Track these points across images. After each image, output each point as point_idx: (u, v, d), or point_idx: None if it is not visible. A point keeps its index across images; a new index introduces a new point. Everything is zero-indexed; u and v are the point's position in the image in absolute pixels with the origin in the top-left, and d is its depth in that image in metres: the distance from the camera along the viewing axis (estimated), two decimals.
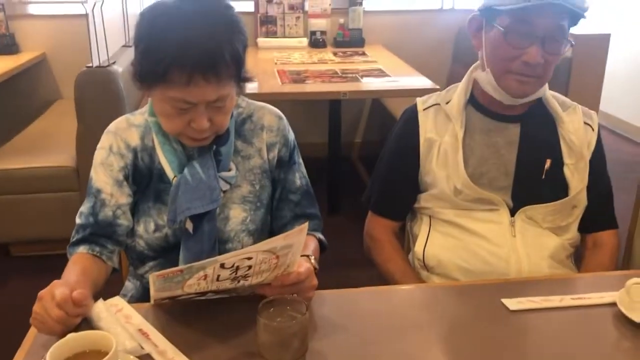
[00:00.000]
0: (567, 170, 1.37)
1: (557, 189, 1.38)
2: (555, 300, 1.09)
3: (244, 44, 1.15)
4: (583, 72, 2.95)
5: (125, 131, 1.25)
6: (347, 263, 2.69)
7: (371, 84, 2.87)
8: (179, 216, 1.18)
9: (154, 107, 1.17)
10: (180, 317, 1.06)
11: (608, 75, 3.07)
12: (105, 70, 2.52)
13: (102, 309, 1.04)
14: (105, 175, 1.22)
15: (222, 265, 0.89)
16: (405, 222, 1.54)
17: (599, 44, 2.96)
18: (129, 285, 1.37)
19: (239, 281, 0.96)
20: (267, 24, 3.78)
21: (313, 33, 3.78)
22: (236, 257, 0.89)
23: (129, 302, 1.10)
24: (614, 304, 1.06)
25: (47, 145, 2.91)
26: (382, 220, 1.51)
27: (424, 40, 3.93)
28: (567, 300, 1.10)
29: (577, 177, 1.37)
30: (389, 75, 3.01)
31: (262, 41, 3.74)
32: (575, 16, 1.28)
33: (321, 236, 1.35)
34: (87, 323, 1.01)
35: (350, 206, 3.25)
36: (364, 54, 3.60)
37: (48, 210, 2.69)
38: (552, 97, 1.42)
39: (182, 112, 1.11)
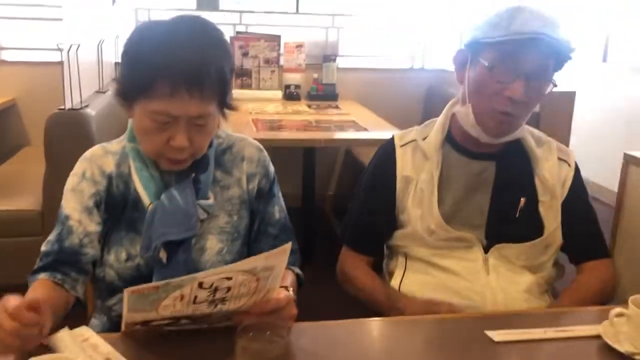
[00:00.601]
0: (541, 208, 1.36)
1: (531, 228, 1.36)
2: (539, 333, 1.07)
3: (231, 68, 1.15)
4: (550, 128, 3.04)
5: (100, 158, 1.23)
6: (320, 313, 2.63)
7: (345, 134, 2.89)
8: (154, 242, 1.14)
9: (135, 125, 1.15)
10: (151, 347, 1.00)
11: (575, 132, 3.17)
12: (77, 113, 2.49)
13: (66, 338, 0.98)
14: (75, 201, 1.19)
15: (200, 285, 0.85)
16: (377, 258, 1.51)
17: (566, 101, 3.06)
18: (95, 321, 1.30)
19: (216, 305, 0.91)
20: (242, 76, 3.83)
21: (287, 86, 3.83)
22: (215, 276, 0.85)
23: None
24: (598, 337, 1.05)
25: (11, 189, 2.82)
26: (356, 255, 1.48)
27: (395, 97, 4.02)
28: (550, 332, 1.08)
29: (551, 215, 1.36)
30: (363, 127, 3.05)
31: (237, 93, 3.74)
32: (561, 57, 1.27)
33: (299, 271, 1.32)
34: (49, 352, 0.94)
35: (323, 257, 3.20)
36: (337, 107, 3.66)
37: (8, 256, 2.58)
38: (528, 133, 1.41)
39: (162, 127, 1.09)
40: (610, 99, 4.45)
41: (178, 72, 1.05)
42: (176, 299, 0.86)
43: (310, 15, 4.00)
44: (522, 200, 1.36)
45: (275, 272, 0.92)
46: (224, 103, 1.16)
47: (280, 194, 1.36)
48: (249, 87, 3.84)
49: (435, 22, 4.15)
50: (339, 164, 4.14)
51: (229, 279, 0.86)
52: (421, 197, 1.37)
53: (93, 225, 1.18)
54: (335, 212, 4.06)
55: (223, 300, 0.91)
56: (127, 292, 0.83)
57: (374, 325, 1.14)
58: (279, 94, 3.82)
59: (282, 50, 3.84)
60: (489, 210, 1.37)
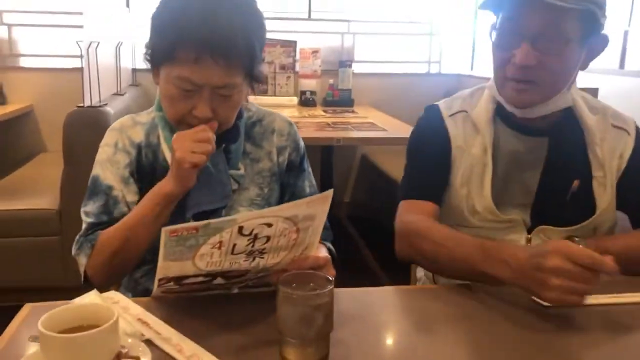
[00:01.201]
0: (594, 185, 1.26)
1: (581, 209, 1.25)
2: (589, 298, 1.01)
3: (261, 39, 1.12)
4: None
5: (130, 128, 1.20)
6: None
7: (364, 133, 2.86)
8: (188, 212, 1.12)
9: (160, 91, 1.13)
10: (182, 309, 0.96)
11: None
12: (96, 110, 2.47)
13: (95, 299, 0.94)
14: (113, 172, 1.16)
15: (240, 231, 0.81)
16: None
17: None
18: None
19: (254, 258, 0.87)
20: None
21: (303, 92, 3.82)
22: (256, 221, 0.81)
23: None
24: None
25: (29, 190, 2.80)
26: (419, 204, 1.27)
27: (412, 102, 3.97)
28: (600, 299, 1.02)
29: (602, 194, 1.25)
30: (382, 127, 3.01)
31: (252, 99, 3.75)
32: (581, 17, 1.12)
33: (331, 246, 1.28)
34: None
35: (340, 265, 3.16)
36: (353, 112, 3.63)
37: (26, 256, 2.55)
38: (581, 99, 1.29)
39: (186, 95, 1.07)
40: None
41: (203, 37, 1.02)
42: (214, 246, 0.82)
43: (325, 21, 4.00)
44: (576, 182, 1.25)
45: (316, 223, 0.89)
46: (252, 75, 1.13)
47: (310, 169, 1.33)
48: (265, 93, 3.82)
49: (451, 27, 4.14)
50: (355, 169, 4.10)
51: (270, 225, 0.82)
52: (469, 175, 1.26)
53: (131, 195, 1.17)
54: (351, 220, 4.02)
55: (261, 252, 0.86)
56: (165, 232, 0.79)
57: (416, 291, 1.10)
58: (294, 100, 3.80)
59: (297, 56, 3.84)
60: (537, 190, 1.27)
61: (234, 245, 0.83)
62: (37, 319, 0.86)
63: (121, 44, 3.07)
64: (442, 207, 1.30)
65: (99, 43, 2.54)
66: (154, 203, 1.07)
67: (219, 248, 0.82)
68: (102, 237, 1.11)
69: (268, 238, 0.85)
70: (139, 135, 1.20)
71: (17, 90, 3.59)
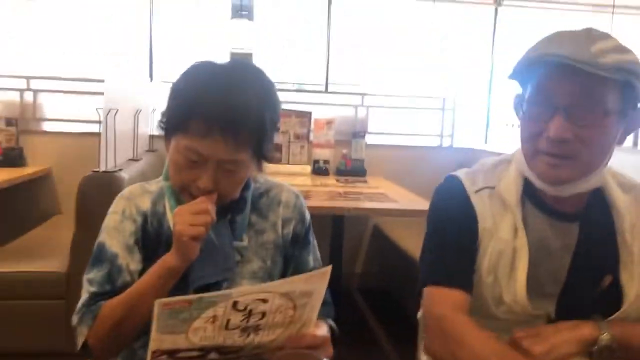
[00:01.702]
0: (624, 275, 1.15)
1: (611, 302, 1.16)
2: None
3: (273, 120, 1.14)
4: None
5: (138, 197, 1.22)
6: None
7: (374, 204, 2.86)
8: (191, 285, 1.11)
9: (169, 159, 1.14)
10: None
11: None
12: (111, 175, 2.52)
13: None
14: (119, 240, 1.17)
15: (234, 306, 0.80)
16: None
17: None
18: None
19: (248, 334, 0.86)
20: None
21: (316, 161, 3.87)
22: (251, 296, 0.80)
23: None
24: None
25: (38, 252, 2.82)
26: (448, 293, 1.14)
27: (424, 174, 3.99)
28: None
29: (630, 284, 1.15)
30: (393, 199, 3.02)
31: (267, 166, 3.79)
32: (625, 87, 1.04)
33: (332, 323, 1.25)
34: None
35: (347, 341, 3.08)
36: (366, 182, 3.65)
37: (32, 319, 2.53)
38: (612, 178, 1.20)
39: (192, 165, 1.09)
40: None
41: (214, 112, 1.05)
42: (208, 321, 0.81)
43: (340, 94, 4.09)
44: (608, 278, 1.15)
45: (314, 299, 0.88)
46: (260, 152, 1.15)
47: (315, 242, 1.33)
48: (279, 161, 3.88)
49: (464, 100, 4.21)
50: (367, 240, 4.08)
51: (265, 301, 0.82)
52: (497, 261, 1.15)
53: (135, 264, 1.17)
54: (362, 292, 3.96)
55: (256, 328, 0.85)
56: (158, 305, 0.78)
57: None
58: (308, 168, 3.85)
59: (312, 127, 3.91)
60: (565, 280, 1.17)
61: (228, 320, 0.82)
62: None
63: (140, 111, 3.15)
64: None
65: (117, 110, 2.61)
66: (157, 276, 1.07)
67: (213, 322, 0.81)
68: (105, 308, 1.11)
69: (263, 314, 0.84)
70: (145, 204, 1.21)
71: (37, 152, 3.68)
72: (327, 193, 3.04)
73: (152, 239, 1.19)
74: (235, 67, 1.13)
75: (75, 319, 1.14)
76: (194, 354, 0.89)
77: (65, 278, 2.53)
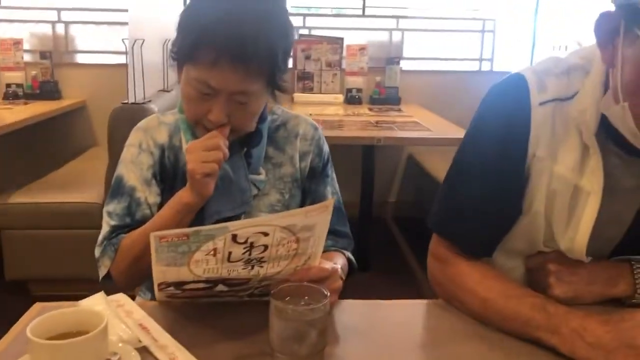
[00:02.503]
0: None
1: None
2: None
3: (286, 48, 1.09)
4: None
5: (154, 129, 1.20)
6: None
7: (407, 132, 2.80)
8: (208, 220, 1.10)
9: (180, 91, 1.12)
10: (186, 315, 0.95)
11: None
12: (140, 107, 2.52)
13: (100, 302, 0.94)
14: (136, 173, 1.16)
15: (234, 239, 0.79)
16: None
17: None
18: (139, 299, 1.27)
19: (253, 267, 0.85)
20: (304, 79, 3.81)
21: (349, 90, 3.78)
22: (250, 229, 0.78)
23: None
24: None
25: (76, 183, 2.90)
26: (454, 246, 1.03)
27: (462, 101, 3.86)
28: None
29: None
30: (426, 127, 2.95)
31: (298, 96, 3.75)
32: None
33: (351, 256, 1.24)
34: None
35: (381, 265, 3.11)
36: (400, 110, 3.57)
37: (71, 247, 2.63)
38: None
39: (203, 97, 1.05)
40: None
41: (223, 41, 1.00)
42: (209, 253, 0.80)
43: (374, 17, 3.95)
44: None
45: (317, 233, 0.85)
46: (273, 83, 1.10)
47: (334, 175, 1.30)
48: (310, 90, 3.81)
49: (504, 22, 4.00)
50: (401, 169, 4.03)
51: (266, 234, 0.80)
52: (551, 201, 0.97)
53: (154, 196, 1.16)
54: (396, 221, 3.96)
55: (260, 260, 0.84)
56: (154, 237, 0.77)
57: (424, 306, 1.04)
58: (340, 97, 3.77)
59: (344, 53, 3.80)
60: (629, 225, 1.01)
61: (230, 252, 0.81)
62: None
63: (169, 41, 3.11)
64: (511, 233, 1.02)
65: (144, 40, 2.58)
66: (175, 211, 1.07)
67: (214, 255, 0.81)
68: (125, 241, 1.12)
69: (265, 247, 0.82)
70: (162, 136, 1.19)
71: (71, 85, 3.72)
72: (359, 123, 2.98)
73: (169, 173, 1.18)
74: None
75: (97, 252, 1.15)
76: (201, 285, 0.89)
77: (101, 208, 2.60)
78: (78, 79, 3.73)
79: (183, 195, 1.06)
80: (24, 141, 3.45)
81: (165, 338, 0.86)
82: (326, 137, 2.79)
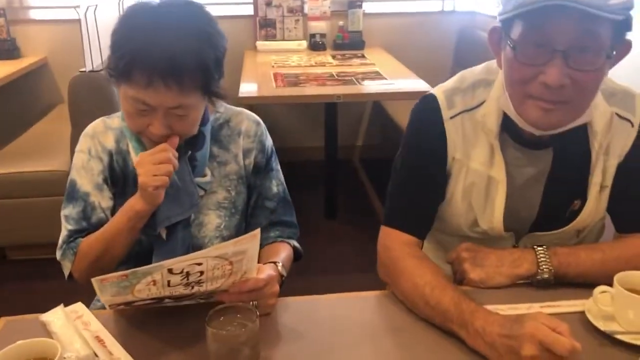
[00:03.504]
0: (591, 192, 1.17)
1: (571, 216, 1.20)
2: (522, 308, 1.06)
3: (217, 58, 1.13)
4: None
5: (101, 134, 1.25)
6: (342, 268, 2.68)
7: (366, 87, 2.85)
8: (159, 226, 1.18)
9: (121, 106, 1.16)
10: (140, 325, 1.05)
11: None
12: (98, 75, 2.52)
13: (59, 316, 1.03)
14: (88, 179, 1.23)
15: (170, 271, 0.88)
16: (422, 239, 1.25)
17: None
18: (94, 307, 1.36)
19: (193, 287, 0.95)
20: (267, 27, 3.78)
21: (313, 36, 3.77)
22: (184, 263, 0.87)
23: (100, 309, 1.10)
24: (582, 313, 1.04)
25: (43, 150, 2.93)
26: (400, 235, 1.19)
27: (425, 42, 3.90)
28: (535, 307, 1.07)
29: (592, 197, 1.17)
30: (386, 78, 2.99)
31: (261, 44, 3.74)
32: (616, 24, 0.96)
33: (296, 244, 1.34)
34: (43, 328, 1.01)
35: (348, 211, 3.24)
36: (363, 56, 3.58)
37: (43, 214, 2.70)
38: (601, 97, 1.13)
39: (141, 113, 1.11)
40: None
41: (153, 62, 1.04)
42: (149, 284, 0.89)
43: None
44: (576, 203, 1.18)
45: (248, 255, 0.94)
46: (210, 92, 1.15)
47: (278, 167, 1.36)
48: (273, 37, 3.79)
49: None
50: (367, 114, 4.09)
51: (199, 264, 0.89)
52: (470, 190, 1.19)
53: (106, 200, 1.23)
54: (363, 163, 4.06)
55: (199, 282, 0.94)
56: (95, 282, 0.87)
57: (360, 299, 1.15)
58: (304, 44, 3.77)
59: None
60: (539, 207, 1.21)
61: (169, 281, 0.90)
62: (11, 332, 0.98)
63: (123, 2, 3.05)
64: (440, 221, 1.26)
65: (96, 6, 2.55)
66: (127, 218, 1.14)
67: (154, 285, 0.90)
68: (83, 245, 1.20)
69: (201, 272, 0.91)
70: (110, 142, 1.24)
71: (30, 43, 3.65)
72: (320, 76, 3.01)
73: (119, 177, 1.24)
74: (171, 9, 1.10)
75: (58, 255, 1.24)
76: (149, 301, 0.99)
77: (66, 175, 2.65)
78: (36, 36, 3.66)
79: (134, 204, 1.13)
80: None
81: (119, 351, 0.96)
82: (287, 96, 2.84)
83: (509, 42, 1.02)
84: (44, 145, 3.00)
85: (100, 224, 1.21)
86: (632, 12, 0.99)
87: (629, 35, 1.03)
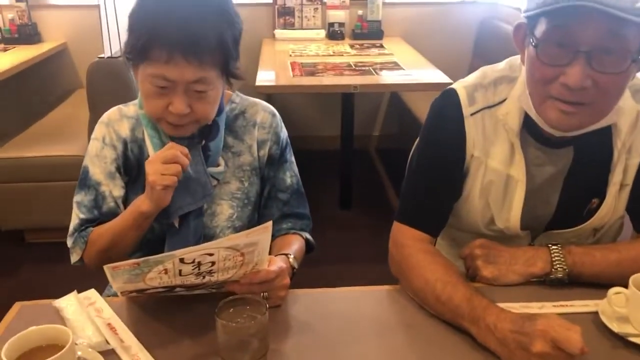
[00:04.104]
0: (610, 191, 1.16)
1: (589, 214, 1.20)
2: (534, 307, 1.06)
3: (235, 36, 1.13)
4: None
5: (116, 122, 1.26)
6: (356, 258, 2.68)
7: (384, 77, 2.83)
8: (172, 216, 1.18)
9: (140, 89, 1.16)
10: (152, 313, 1.06)
11: None
12: (116, 61, 2.54)
13: (73, 302, 1.05)
14: (101, 167, 1.23)
15: (182, 260, 0.88)
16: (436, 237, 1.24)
17: None
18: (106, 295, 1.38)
19: (204, 277, 0.95)
20: (285, 15, 3.76)
21: (331, 25, 3.75)
22: (196, 253, 0.88)
23: (113, 296, 1.11)
24: (595, 313, 1.02)
25: (61, 135, 2.96)
26: (411, 230, 1.18)
27: (444, 33, 3.86)
28: (547, 307, 1.06)
29: (605, 202, 1.17)
30: (404, 68, 2.97)
31: (279, 33, 3.72)
32: None
33: (309, 236, 1.33)
34: (56, 314, 1.02)
35: (363, 201, 3.23)
36: (381, 46, 3.56)
37: (61, 198, 2.72)
38: (629, 95, 1.11)
39: (161, 91, 1.10)
40: None
41: (174, 37, 1.05)
42: (161, 272, 0.90)
43: None
44: (594, 201, 1.17)
45: (260, 247, 0.94)
46: (228, 71, 1.15)
47: (292, 159, 1.36)
48: (291, 26, 3.78)
49: None
50: (385, 104, 4.07)
51: (211, 254, 0.89)
52: (488, 188, 1.17)
53: (118, 189, 1.24)
54: (380, 153, 4.04)
55: (210, 272, 0.94)
56: (107, 269, 0.87)
57: (371, 294, 1.14)
58: (322, 33, 3.75)
59: None
60: (557, 205, 1.19)
61: (180, 270, 0.91)
62: (25, 317, 1.00)
63: None
64: (457, 217, 1.24)
65: None
66: (132, 217, 1.14)
67: (166, 273, 0.90)
68: (94, 235, 1.21)
69: (213, 263, 0.92)
70: (125, 130, 1.25)
71: (50, 28, 3.68)
72: (337, 66, 3.00)
73: (133, 165, 1.25)
74: None
75: (69, 242, 1.25)
76: (160, 289, 1.00)
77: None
78: (56, 20, 3.68)
79: (140, 204, 1.13)
80: (9, 89, 3.47)
81: (130, 339, 0.97)
82: (303, 85, 2.83)
83: (532, 40, 1.01)
84: (63, 130, 3.03)
85: (111, 213, 1.22)
86: None
87: None
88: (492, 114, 1.15)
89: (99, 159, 1.24)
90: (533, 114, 1.08)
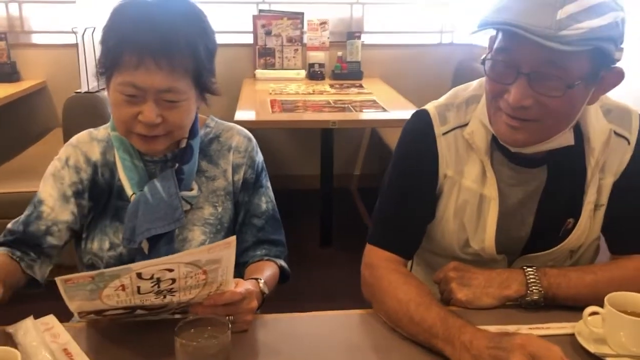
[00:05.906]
0: (584, 211, 1.14)
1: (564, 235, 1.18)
2: (510, 330, 1.02)
3: (208, 47, 1.13)
4: None
5: (86, 145, 1.23)
6: (334, 295, 2.63)
7: (362, 114, 2.84)
8: (139, 237, 1.14)
9: (110, 103, 1.14)
10: (111, 339, 1.01)
11: None
12: (93, 96, 2.53)
13: (28, 327, 0.99)
14: (53, 187, 1.19)
15: (140, 276, 0.84)
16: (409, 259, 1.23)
17: None
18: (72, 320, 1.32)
19: (165, 296, 0.91)
20: (266, 55, 3.80)
21: (311, 65, 3.79)
22: (154, 267, 0.84)
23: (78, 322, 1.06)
24: (572, 335, 1.00)
25: (35, 172, 2.89)
26: (383, 252, 1.17)
27: (423, 74, 3.91)
28: (523, 329, 1.03)
29: (585, 216, 1.15)
30: (382, 106, 2.99)
31: (260, 73, 3.75)
32: (597, 53, 0.95)
33: (284, 263, 1.29)
34: (10, 340, 0.97)
35: (343, 239, 3.19)
36: (360, 86, 3.60)
37: None
38: (594, 114, 1.11)
39: (131, 100, 1.08)
40: None
41: (144, 40, 1.04)
42: (118, 289, 0.85)
43: None
44: (569, 221, 1.15)
45: (224, 265, 0.91)
46: (201, 83, 1.14)
47: (268, 184, 1.33)
48: (272, 66, 3.81)
49: None
50: (365, 143, 4.08)
51: (171, 270, 0.85)
52: (462, 208, 1.16)
53: (66, 215, 1.18)
54: (361, 192, 4.03)
55: (171, 291, 0.90)
56: (60, 281, 0.82)
57: (337, 318, 1.11)
58: (302, 73, 3.78)
59: (305, 28, 3.79)
60: (532, 226, 1.18)
61: (138, 287, 0.87)
62: None
63: None
64: (431, 239, 1.23)
65: (94, 28, 2.56)
66: None
67: (123, 290, 0.86)
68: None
69: (173, 280, 0.88)
70: (95, 153, 1.22)
71: (29, 66, 3.67)
72: (316, 103, 3.01)
73: (103, 190, 1.21)
74: (162, 1, 1.11)
75: None
76: (120, 311, 0.95)
77: None
78: (36, 59, 3.68)
79: None
80: None
81: None
82: (284, 121, 2.84)
83: (488, 56, 1.04)
84: (37, 167, 2.97)
85: (35, 236, 1.15)
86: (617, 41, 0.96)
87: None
88: (462, 135, 1.15)
89: (54, 179, 1.20)
90: (489, 125, 1.09)
